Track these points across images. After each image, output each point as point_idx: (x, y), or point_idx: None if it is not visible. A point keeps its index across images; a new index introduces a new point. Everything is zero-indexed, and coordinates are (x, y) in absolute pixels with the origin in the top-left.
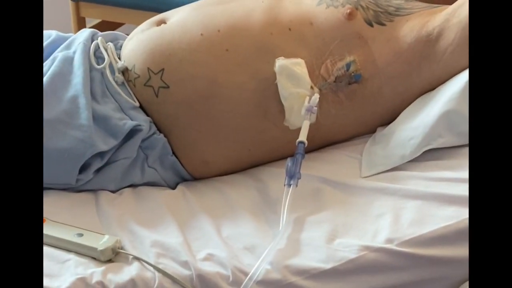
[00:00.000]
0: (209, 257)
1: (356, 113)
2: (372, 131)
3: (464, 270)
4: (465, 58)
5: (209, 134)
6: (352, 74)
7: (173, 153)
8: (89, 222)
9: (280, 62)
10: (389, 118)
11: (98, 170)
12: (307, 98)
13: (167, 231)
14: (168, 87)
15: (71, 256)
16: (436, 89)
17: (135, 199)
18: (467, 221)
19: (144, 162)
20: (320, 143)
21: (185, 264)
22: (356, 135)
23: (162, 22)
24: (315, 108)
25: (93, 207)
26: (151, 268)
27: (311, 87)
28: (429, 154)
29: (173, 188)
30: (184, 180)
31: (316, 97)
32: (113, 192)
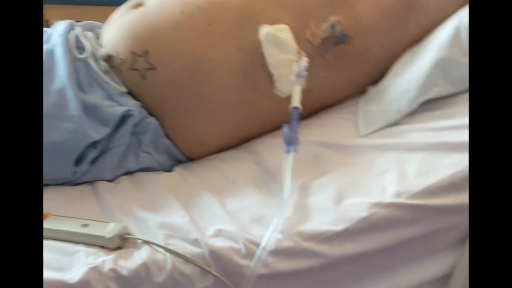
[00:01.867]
0: (218, 233)
1: (346, 73)
2: (363, 91)
3: None
4: (451, 5)
5: (201, 112)
6: (338, 34)
7: (166, 135)
8: (91, 213)
9: (264, 29)
10: (379, 77)
11: (93, 161)
12: (295, 63)
13: (172, 212)
14: (154, 68)
15: (80, 247)
16: (425, 39)
17: (133, 186)
18: None
19: (138, 148)
20: (312, 108)
21: (195, 242)
22: (347, 97)
23: (139, 5)
24: (305, 72)
25: (92, 198)
26: (162, 250)
27: (298, 52)
28: (425, 106)
29: (169, 171)
30: (179, 162)
31: (305, 61)
32: (110, 181)
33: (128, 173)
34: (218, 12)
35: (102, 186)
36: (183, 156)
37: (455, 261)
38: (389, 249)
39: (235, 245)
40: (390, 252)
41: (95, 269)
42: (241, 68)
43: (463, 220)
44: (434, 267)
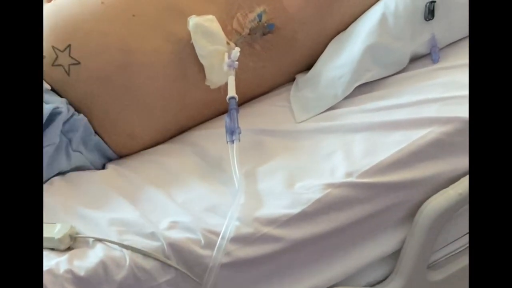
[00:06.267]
0: (173, 225)
1: (274, 63)
2: (291, 79)
3: (421, 190)
4: None
5: (131, 106)
6: (265, 24)
7: (96, 132)
8: None
9: (193, 20)
10: (306, 64)
11: None
12: (226, 53)
13: (119, 208)
14: (79, 63)
15: None
16: (350, 27)
17: (70, 185)
18: (417, 143)
19: (68, 147)
20: (242, 98)
21: (151, 236)
22: (276, 86)
23: None
24: (236, 62)
25: None
26: (117, 247)
27: (227, 43)
28: (359, 89)
29: (101, 169)
30: (110, 160)
31: (237, 50)
32: None
33: (59, 174)
34: (142, 2)
35: None
36: (115, 153)
37: (404, 236)
38: (344, 229)
39: (194, 236)
40: (345, 231)
41: (50, 272)
42: (171, 60)
43: (411, 196)
44: (385, 244)
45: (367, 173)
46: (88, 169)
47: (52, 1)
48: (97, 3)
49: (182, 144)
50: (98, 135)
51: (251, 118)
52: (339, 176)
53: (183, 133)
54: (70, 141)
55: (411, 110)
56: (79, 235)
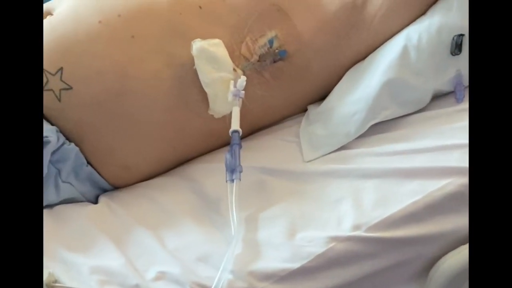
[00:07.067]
0: (161, 276)
1: (285, 92)
2: (303, 110)
3: (437, 246)
4: (396, 22)
5: (126, 135)
6: (276, 50)
7: (88, 162)
8: None
9: (197, 44)
10: (319, 95)
11: None
12: (232, 82)
13: (104, 252)
14: (71, 88)
15: None
16: (368, 58)
17: (56, 222)
18: (434, 194)
19: (57, 178)
20: (249, 129)
21: None
22: (286, 117)
23: (47, 14)
24: (243, 92)
25: None
26: None
27: (234, 70)
28: (374, 128)
29: (94, 202)
30: (104, 191)
31: (243, 79)
32: None
33: (48, 206)
34: (142, 22)
35: None
36: (108, 184)
37: None
38: (350, 286)
39: None
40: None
41: None
42: (171, 86)
43: (425, 252)
44: None
45: (376, 226)
46: (80, 201)
47: (47, 18)
48: (94, 22)
49: (180, 178)
50: (90, 165)
51: (256, 153)
52: (346, 229)
53: (182, 165)
54: (59, 171)
55: (429, 156)
56: (57, 284)
